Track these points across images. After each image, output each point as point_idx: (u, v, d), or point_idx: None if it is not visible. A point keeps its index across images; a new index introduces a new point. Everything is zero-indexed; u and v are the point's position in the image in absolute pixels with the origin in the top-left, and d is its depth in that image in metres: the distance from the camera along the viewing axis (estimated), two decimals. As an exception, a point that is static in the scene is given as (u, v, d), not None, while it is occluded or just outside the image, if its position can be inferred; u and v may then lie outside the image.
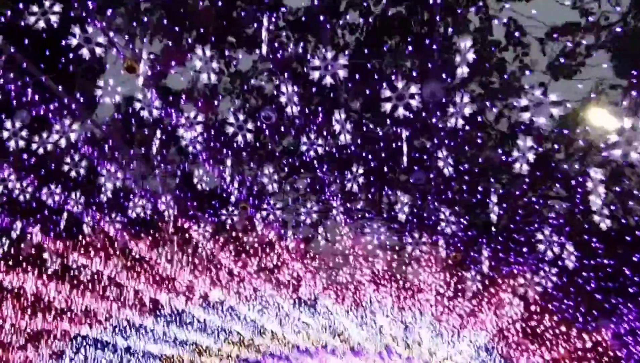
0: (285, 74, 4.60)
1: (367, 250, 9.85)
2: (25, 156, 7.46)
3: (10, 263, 11.17)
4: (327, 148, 5.68)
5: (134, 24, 4.83)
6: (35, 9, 4.08)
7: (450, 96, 4.08)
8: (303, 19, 5.21)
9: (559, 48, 5.98)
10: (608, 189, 6.72)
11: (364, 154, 5.96)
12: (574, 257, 5.71)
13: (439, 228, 7.34)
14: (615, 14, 4.95)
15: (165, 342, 18.99)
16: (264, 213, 7.07)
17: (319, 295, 13.47)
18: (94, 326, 16.44)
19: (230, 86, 6.61)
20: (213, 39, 4.03)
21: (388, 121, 5.28)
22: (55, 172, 7.76)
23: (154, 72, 4.75)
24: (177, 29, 4.63)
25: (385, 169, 6.44)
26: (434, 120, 5.15)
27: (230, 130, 4.60)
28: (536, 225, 6.23)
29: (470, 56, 3.51)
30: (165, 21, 4.77)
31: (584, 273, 6.62)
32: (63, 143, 5.99)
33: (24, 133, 5.49)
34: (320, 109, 5.46)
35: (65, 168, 6.58)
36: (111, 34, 4.39)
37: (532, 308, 8.96)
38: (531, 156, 4.03)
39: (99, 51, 4.00)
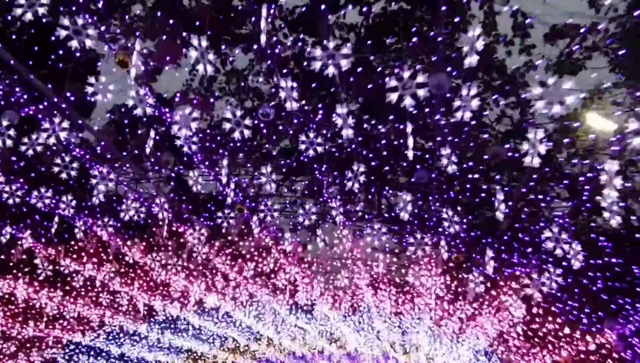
0: (284, 70, 4.44)
1: (366, 252, 9.68)
2: (14, 158, 7.26)
3: (0, 269, 10.93)
4: (326, 147, 5.51)
5: (127, 16, 4.66)
6: (22, 0, 3.88)
7: (457, 88, 3.94)
8: (303, 9, 5.05)
9: (564, 44, 5.89)
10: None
11: (364, 153, 5.79)
12: (580, 256, 5.57)
13: (440, 229, 7.19)
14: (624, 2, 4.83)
15: (160, 349, 18.77)
16: (261, 214, 6.88)
17: (316, 301, 13.29)
18: (86, 333, 16.22)
19: (226, 86, 6.44)
20: (209, 32, 3.85)
21: (391, 117, 5.12)
22: (46, 175, 7.55)
23: (148, 68, 4.57)
24: (171, 21, 4.47)
25: (387, 168, 6.28)
26: (437, 116, 5.00)
27: (227, 126, 4.43)
28: (542, 224, 6.10)
29: (480, 44, 3.37)
30: (159, 13, 4.60)
31: (589, 273, 6.48)
32: (55, 145, 5.80)
33: (11, 132, 5.27)
34: (320, 106, 5.31)
35: (57, 171, 6.35)
36: (103, 27, 4.21)
37: (535, 310, 8.80)
38: (543, 149, 3.88)
39: (89, 43, 3.81)
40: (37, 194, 7.65)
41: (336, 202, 6.80)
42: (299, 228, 8.54)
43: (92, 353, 18.72)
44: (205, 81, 5.95)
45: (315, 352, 20.93)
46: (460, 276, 8.79)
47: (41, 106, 5.77)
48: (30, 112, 5.84)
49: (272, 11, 4.52)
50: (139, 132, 6.76)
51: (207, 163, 6.48)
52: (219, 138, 6.11)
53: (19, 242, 9.62)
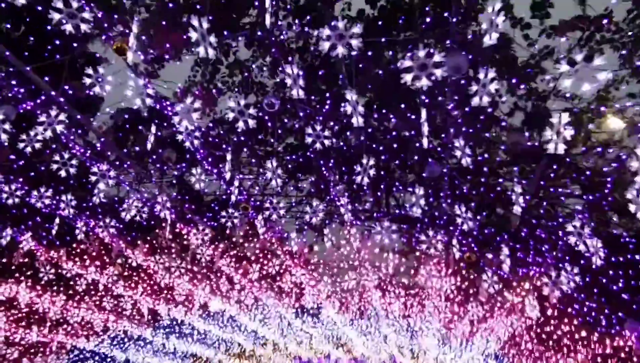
0: (290, 58, 4.22)
1: (374, 253, 9.43)
2: (13, 157, 7.08)
3: (1, 272, 10.77)
4: (334, 140, 5.27)
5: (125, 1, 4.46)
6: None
7: (474, 72, 3.71)
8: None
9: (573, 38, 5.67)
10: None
11: (374, 146, 5.54)
12: (601, 253, 5.29)
13: (451, 227, 6.93)
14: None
15: (165, 354, 18.60)
16: (267, 213, 6.65)
17: (323, 304, 13.05)
18: (91, 338, 16.05)
19: (229, 79, 6.23)
20: (211, 17, 3.65)
21: (402, 106, 4.88)
22: (45, 174, 7.37)
23: (147, 57, 4.36)
24: (170, 5, 4.26)
25: (397, 162, 6.03)
26: (450, 106, 4.76)
27: (230, 115, 4.21)
28: (560, 219, 5.83)
29: (500, 20, 3.14)
30: (158, -1, 4.41)
31: (610, 272, 6.19)
32: (53, 140, 5.61)
33: (7, 127, 5.07)
34: (327, 95, 5.07)
35: (56, 168, 6.15)
36: (99, 14, 4.01)
37: (549, 312, 8.49)
38: (569, 134, 3.63)
39: (84, 27, 3.61)
40: (37, 194, 7.46)
41: (344, 199, 6.55)
42: (305, 228, 8.31)
43: (96, 358, 18.60)
44: (207, 73, 5.74)
45: (321, 356, 20.70)
46: (472, 276, 8.50)
47: (39, 101, 5.59)
48: (28, 107, 5.65)
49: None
50: (140, 128, 6.55)
51: (210, 160, 6.26)
52: (222, 132, 5.89)
53: (20, 244, 9.44)
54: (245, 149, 6.48)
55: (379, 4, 5.36)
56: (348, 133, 5.67)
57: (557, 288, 6.02)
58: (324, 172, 6.58)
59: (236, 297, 12.77)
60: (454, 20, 4.05)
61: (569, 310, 7.93)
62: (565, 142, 4.02)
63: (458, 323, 12.05)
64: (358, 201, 7.53)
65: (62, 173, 6.09)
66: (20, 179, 7.41)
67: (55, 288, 11.85)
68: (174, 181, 8.01)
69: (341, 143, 5.81)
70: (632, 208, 4.19)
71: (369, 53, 4.37)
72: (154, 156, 6.78)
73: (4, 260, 10.36)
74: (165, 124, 6.36)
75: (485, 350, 14.03)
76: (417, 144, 5.44)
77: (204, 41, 3.48)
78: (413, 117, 4.85)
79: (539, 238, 6.45)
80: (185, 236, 9.62)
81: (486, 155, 5.57)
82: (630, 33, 4.66)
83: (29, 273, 11.09)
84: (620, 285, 6.38)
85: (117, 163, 7.11)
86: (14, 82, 5.08)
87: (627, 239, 6.03)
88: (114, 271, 11.24)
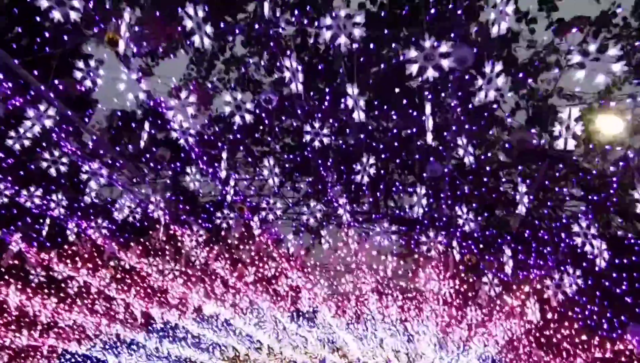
0: (288, 52, 4.07)
1: (372, 256, 9.28)
2: (2, 155, 6.89)
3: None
4: (333, 138, 5.12)
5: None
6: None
7: (477, 67, 3.57)
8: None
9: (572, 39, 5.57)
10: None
11: (373, 144, 5.39)
12: (606, 255, 5.17)
13: (451, 229, 6.79)
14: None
15: (158, 358, 18.38)
16: (263, 213, 6.48)
17: (319, 307, 12.89)
18: (82, 342, 15.82)
19: (225, 76, 6.07)
20: (206, 8, 3.50)
21: (404, 102, 4.74)
22: (36, 174, 7.19)
23: (141, 49, 4.21)
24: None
25: (398, 161, 5.88)
26: (453, 103, 4.63)
27: (227, 109, 4.05)
28: (564, 220, 5.70)
29: (510, 9, 3.01)
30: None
31: (614, 274, 6.07)
32: (42, 136, 5.43)
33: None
34: (327, 91, 4.93)
35: (46, 166, 5.96)
36: (90, 3, 3.85)
37: (549, 315, 8.35)
38: (579, 129, 3.50)
39: (73, 15, 3.45)
40: (27, 193, 7.26)
41: (343, 199, 6.39)
42: (302, 229, 8.15)
43: (88, 362, 18.37)
44: (202, 70, 5.58)
45: (316, 361, 20.54)
46: (471, 279, 8.36)
47: (28, 97, 5.41)
48: (17, 103, 5.47)
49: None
50: (133, 125, 6.38)
51: (205, 158, 6.09)
52: (217, 129, 5.73)
53: (10, 246, 9.23)
54: (241, 148, 6.32)
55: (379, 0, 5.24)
56: (347, 131, 5.52)
57: (561, 291, 5.89)
58: (322, 172, 6.43)
59: (231, 300, 12.59)
60: (459, 12, 3.92)
61: (570, 313, 7.81)
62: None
63: (456, 327, 11.91)
64: (356, 203, 7.38)
65: (52, 171, 5.91)
66: (10, 178, 7.21)
67: (46, 290, 11.63)
68: (168, 181, 7.84)
69: (340, 142, 5.66)
70: (639, 208, 4.07)
71: (371, 46, 4.23)
72: (148, 155, 6.61)
73: (-7, 262, 10.12)
74: (159, 121, 6.19)
75: (482, 354, 13.89)
76: (418, 143, 5.31)
77: (200, 30, 3.34)
78: (415, 114, 4.72)
79: (540, 240, 6.32)
80: (179, 238, 9.45)
81: (489, 154, 5.44)
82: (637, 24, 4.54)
83: (18, 275, 10.86)
84: (624, 287, 6.26)
85: (110, 161, 6.93)
86: (0, 76, 4.90)
87: (632, 241, 5.91)
88: (106, 274, 11.04)
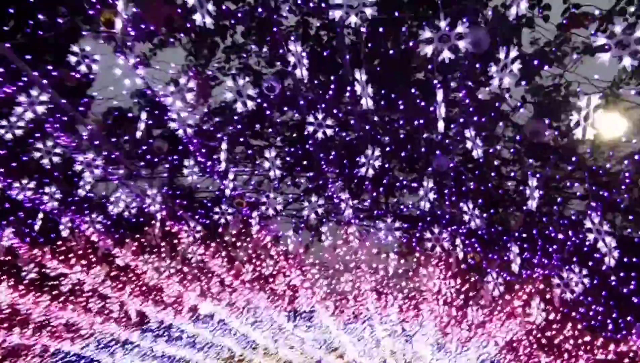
0: (292, 37, 3.91)
1: (372, 254, 9.13)
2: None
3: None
4: (336, 130, 4.95)
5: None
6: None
7: (491, 53, 3.42)
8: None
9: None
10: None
11: (378, 137, 5.23)
12: (616, 254, 5.02)
13: (455, 226, 6.64)
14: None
15: (153, 358, 18.21)
16: (262, 208, 6.31)
17: (316, 307, 12.74)
18: (76, 341, 15.63)
19: (225, 65, 5.90)
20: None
21: (413, 90, 4.57)
22: (29, 167, 6.99)
23: (138, 32, 4.03)
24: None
25: (403, 154, 5.72)
26: (461, 93, 4.48)
27: (228, 95, 3.88)
28: (573, 217, 5.56)
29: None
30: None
31: (621, 273, 5.93)
32: (34, 123, 5.24)
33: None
34: (332, 79, 4.76)
35: (39, 156, 5.76)
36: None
37: (552, 316, 8.20)
38: (599, 118, 3.34)
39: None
40: (19, 186, 7.05)
41: (344, 195, 6.23)
42: (302, 225, 7.99)
43: (82, 362, 18.18)
44: (202, 58, 5.40)
45: (312, 361, 20.41)
46: (474, 278, 8.21)
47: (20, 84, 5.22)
48: (8, 91, 5.27)
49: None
50: (130, 115, 6.20)
51: (203, 151, 5.91)
52: (217, 119, 5.55)
53: (1, 241, 9.02)
54: (241, 139, 6.15)
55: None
56: (352, 122, 5.36)
57: (569, 290, 5.74)
58: (324, 167, 6.27)
59: (227, 299, 12.42)
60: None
61: (574, 313, 7.67)
62: (573, 141, 3.74)
63: (455, 328, 11.76)
64: (357, 198, 7.21)
65: (46, 162, 5.71)
66: (1, 170, 7.01)
67: (38, 288, 11.41)
68: (165, 175, 7.66)
69: (343, 134, 5.50)
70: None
71: (380, 30, 4.07)
72: (144, 147, 6.42)
73: (-16, 258, 9.91)
74: (157, 112, 6.01)
75: (481, 355, 13.77)
76: (425, 136, 5.15)
77: (202, 8, 3.16)
78: (423, 104, 4.56)
79: (546, 238, 6.17)
80: (175, 234, 9.27)
81: (498, 146, 5.29)
82: None
83: (10, 272, 10.65)
84: (632, 287, 6.12)
85: (106, 153, 6.74)
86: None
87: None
88: (101, 271, 10.84)
